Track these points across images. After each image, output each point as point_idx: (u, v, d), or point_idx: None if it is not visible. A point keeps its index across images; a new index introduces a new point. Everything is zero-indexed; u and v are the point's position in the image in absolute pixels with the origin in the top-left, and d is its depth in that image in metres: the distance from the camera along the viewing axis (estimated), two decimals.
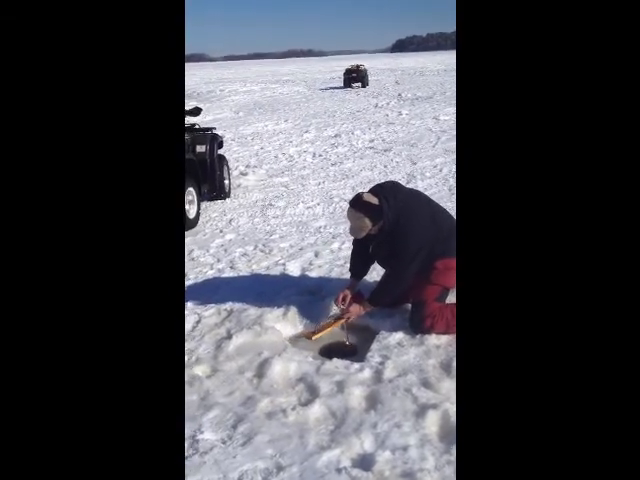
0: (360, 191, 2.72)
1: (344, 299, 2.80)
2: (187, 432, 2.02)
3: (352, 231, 2.70)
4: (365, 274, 2.97)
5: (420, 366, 2.35)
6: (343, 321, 2.77)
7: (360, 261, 2.92)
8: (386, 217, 2.55)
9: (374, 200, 2.56)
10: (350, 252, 3.00)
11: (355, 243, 2.91)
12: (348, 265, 3.37)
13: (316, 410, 2.10)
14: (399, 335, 2.63)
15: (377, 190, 2.63)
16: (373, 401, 2.14)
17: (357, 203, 2.59)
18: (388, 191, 2.62)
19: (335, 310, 2.90)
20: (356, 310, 2.76)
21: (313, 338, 2.69)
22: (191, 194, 5.06)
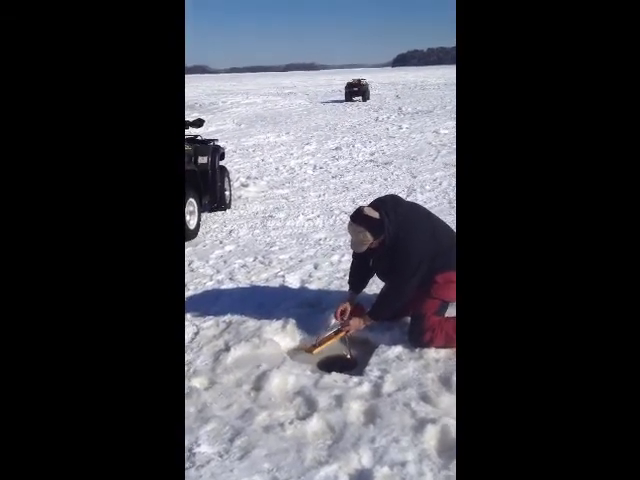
0: (361, 205, 2.73)
1: (343, 312, 2.79)
2: (184, 444, 2.00)
3: (353, 245, 2.70)
4: (364, 287, 2.97)
5: (419, 380, 2.34)
6: (343, 334, 2.76)
7: (359, 275, 2.92)
8: (387, 231, 2.55)
9: (375, 214, 2.57)
10: (350, 265, 3.01)
11: (355, 257, 2.91)
12: (348, 278, 3.36)
13: (314, 424, 2.08)
14: (398, 349, 2.62)
15: (378, 204, 2.64)
16: (372, 415, 2.12)
17: (358, 217, 2.59)
18: (389, 205, 2.63)
19: (335, 322, 2.89)
20: (356, 324, 2.75)
21: (314, 352, 2.68)
22: (192, 205, 5.07)
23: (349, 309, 2.80)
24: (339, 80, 40.42)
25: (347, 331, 2.75)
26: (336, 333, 2.78)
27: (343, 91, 25.09)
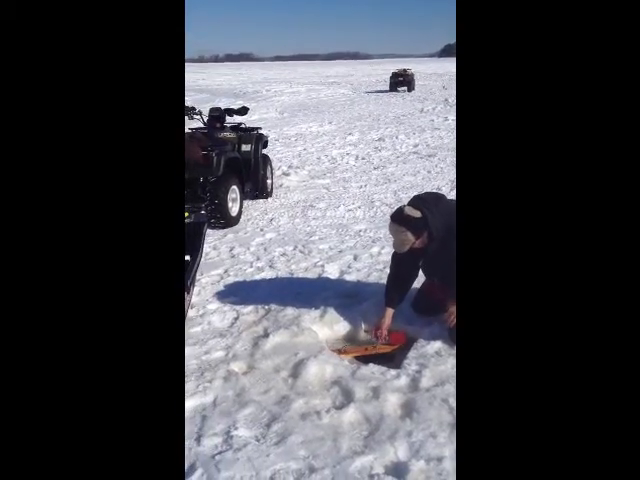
0: (401, 205, 2.69)
1: (380, 333, 2.75)
2: (222, 427, 2.05)
3: (395, 246, 2.66)
4: (401, 302, 2.87)
5: None
6: (373, 351, 2.69)
7: (398, 287, 2.84)
8: (433, 227, 2.51)
9: (416, 213, 2.53)
10: (388, 277, 2.92)
11: (396, 264, 2.84)
12: (387, 270, 3.33)
13: (350, 414, 2.09)
14: (437, 344, 2.59)
15: (417, 202, 2.59)
16: (409, 409, 2.11)
17: (399, 217, 2.56)
18: (429, 202, 2.59)
19: (365, 336, 2.83)
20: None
21: (340, 356, 2.61)
22: (234, 192, 5.12)
23: (386, 331, 2.75)
24: (383, 69, 39.91)
25: (375, 347, 2.70)
26: (366, 348, 2.71)
27: (388, 81, 24.76)
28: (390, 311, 2.81)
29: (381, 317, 2.79)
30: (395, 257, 2.83)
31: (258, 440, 1.98)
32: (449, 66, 53.64)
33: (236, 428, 2.04)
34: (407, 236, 2.54)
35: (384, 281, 3.45)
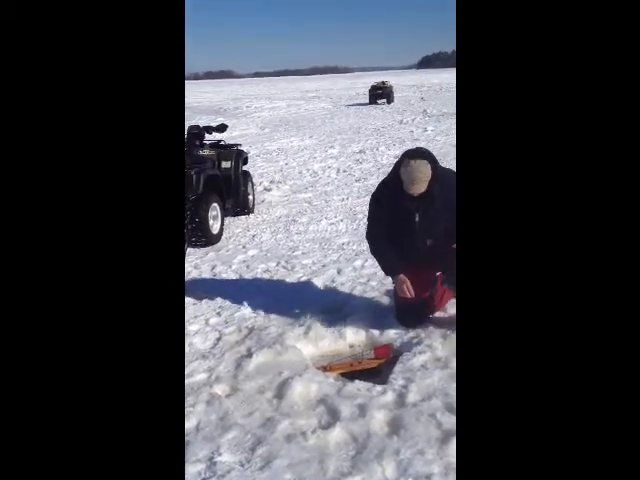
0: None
1: (408, 289, 2.79)
2: (205, 453, 1.98)
3: (413, 185, 2.59)
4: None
5: (445, 390, 2.28)
6: (359, 367, 2.63)
7: (395, 255, 2.84)
8: (440, 171, 2.60)
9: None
10: (376, 249, 2.91)
11: (376, 238, 2.86)
12: (371, 283, 3.31)
13: (337, 434, 2.04)
14: (423, 357, 2.56)
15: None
16: (396, 426, 2.07)
17: (417, 151, 2.62)
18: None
19: (351, 352, 2.79)
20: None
21: (325, 373, 2.56)
22: (215, 209, 5.08)
23: (409, 284, 2.79)
24: (363, 83, 40.35)
25: (361, 363, 2.66)
26: (352, 363, 2.66)
27: (367, 94, 24.99)
28: (402, 276, 2.81)
29: (400, 283, 2.80)
30: (372, 234, 2.86)
31: (242, 465, 1.92)
32: (427, 77, 54.37)
33: (220, 454, 1.98)
34: (427, 169, 2.57)
35: (368, 294, 3.44)
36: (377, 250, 2.92)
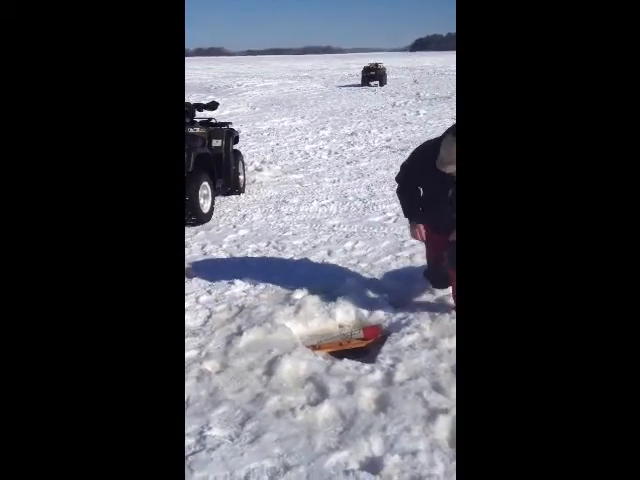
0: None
1: (420, 232, 2.88)
2: (195, 427, 2.01)
3: (449, 164, 2.57)
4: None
5: (432, 370, 2.32)
6: (347, 346, 2.67)
7: (418, 204, 2.91)
8: None
9: None
10: (402, 202, 2.94)
11: (405, 183, 2.91)
12: (361, 264, 3.34)
13: (325, 411, 2.08)
14: (411, 337, 2.60)
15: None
16: (383, 404, 2.11)
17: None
18: None
19: (345, 328, 2.83)
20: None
21: (314, 352, 2.59)
22: (206, 188, 5.06)
23: (422, 229, 2.88)
24: (356, 64, 39.94)
25: (350, 342, 2.70)
26: (341, 343, 2.70)
27: (360, 75, 24.78)
28: (418, 224, 2.91)
29: (413, 227, 2.91)
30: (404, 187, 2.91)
31: (232, 439, 1.95)
32: (420, 60, 53.95)
33: (210, 428, 2.01)
34: None
35: (358, 276, 3.47)
36: (403, 192, 2.98)
